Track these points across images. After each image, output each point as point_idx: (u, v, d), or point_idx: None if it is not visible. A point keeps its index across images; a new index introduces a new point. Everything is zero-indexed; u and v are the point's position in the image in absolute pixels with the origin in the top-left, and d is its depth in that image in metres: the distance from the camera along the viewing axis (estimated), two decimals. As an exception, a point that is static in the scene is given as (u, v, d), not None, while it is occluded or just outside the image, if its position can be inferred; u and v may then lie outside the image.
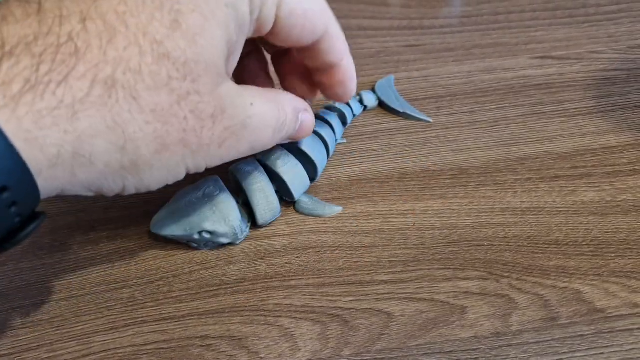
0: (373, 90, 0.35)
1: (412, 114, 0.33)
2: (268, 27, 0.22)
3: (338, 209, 0.29)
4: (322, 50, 0.24)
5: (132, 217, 0.29)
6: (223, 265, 0.27)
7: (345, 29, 0.40)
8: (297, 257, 0.27)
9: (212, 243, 0.27)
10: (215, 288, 0.26)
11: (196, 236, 0.26)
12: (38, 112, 0.17)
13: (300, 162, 0.28)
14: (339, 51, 0.25)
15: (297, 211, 0.29)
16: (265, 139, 0.23)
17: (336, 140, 0.31)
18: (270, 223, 0.29)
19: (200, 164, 0.21)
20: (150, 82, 0.19)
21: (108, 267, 0.27)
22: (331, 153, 0.31)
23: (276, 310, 0.25)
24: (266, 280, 0.26)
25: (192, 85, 0.19)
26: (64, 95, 0.17)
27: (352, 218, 0.29)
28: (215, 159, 0.22)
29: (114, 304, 0.26)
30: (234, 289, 0.26)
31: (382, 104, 0.34)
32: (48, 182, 0.18)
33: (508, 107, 0.34)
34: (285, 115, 0.24)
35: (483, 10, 0.41)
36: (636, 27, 0.39)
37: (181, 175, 0.21)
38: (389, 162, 0.31)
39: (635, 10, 0.40)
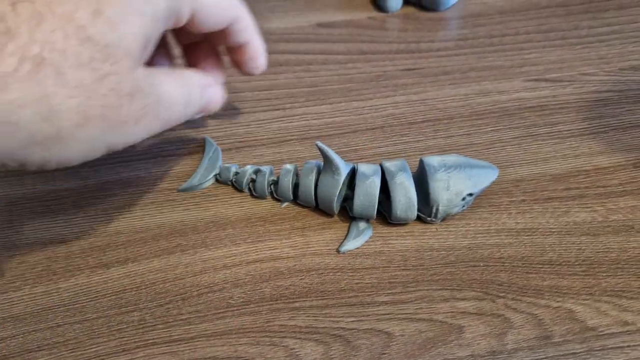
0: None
1: None
2: (186, 18, 0.26)
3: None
4: (234, 32, 0.29)
5: (142, 241, 0.31)
6: (230, 287, 0.28)
7: (346, 53, 0.41)
8: (300, 279, 0.28)
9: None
10: (222, 310, 0.27)
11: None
12: None
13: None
14: (248, 32, 0.29)
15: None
16: (178, 114, 0.26)
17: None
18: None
19: (118, 140, 0.24)
20: (74, 61, 0.21)
21: (119, 291, 0.29)
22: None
23: (281, 331, 0.26)
24: (271, 302, 0.28)
25: (112, 67, 0.22)
26: None
27: (353, 240, 0.30)
28: (133, 135, 0.24)
29: (125, 326, 0.27)
30: (241, 311, 0.27)
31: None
32: None
33: (503, 130, 0.35)
34: (190, 91, 0.27)
35: (478, 33, 0.43)
36: (627, 48, 0.40)
37: (100, 152, 0.24)
38: (388, 185, 0.32)
39: (626, 31, 0.42)
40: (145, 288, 0.29)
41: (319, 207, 0.31)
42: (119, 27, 0.22)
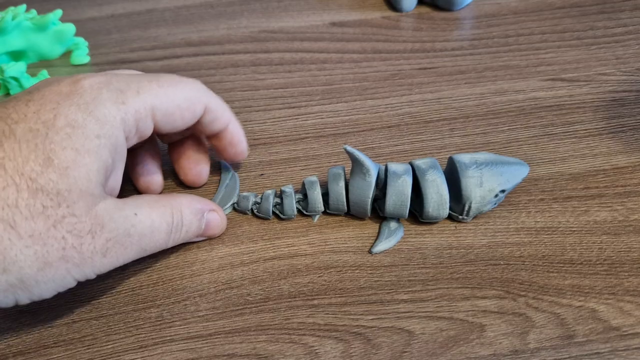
0: None
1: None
2: (149, 132, 0.26)
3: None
4: (207, 122, 0.29)
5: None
6: (247, 284, 0.28)
7: (361, 52, 0.41)
8: (319, 277, 0.28)
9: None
10: (240, 307, 0.27)
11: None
12: None
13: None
14: (223, 120, 0.29)
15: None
16: (159, 241, 0.26)
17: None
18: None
19: (87, 273, 0.24)
20: (26, 212, 0.22)
21: (136, 287, 0.28)
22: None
23: (300, 329, 0.26)
24: (290, 300, 0.27)
25: (68, 210, 0.23)
26: None
27: (372, 237, 0.30)
28: (103, 266, 0.24)
29: (142, 323, 0.27)
30: (259, 307, 0.27)
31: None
32: None
33: (520, 129, 0.35)
34: (181, 216, 0.27)
35: (493, 32, 0.42)
36: (643, 49, 0.40)
37: (71, 284, 0.24)
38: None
39: (642, 32, 0.41)
40: (162, 284, 0.28)
41: (350, 213, 0.30)
42: (71, 172, 0.23)
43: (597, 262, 0.28)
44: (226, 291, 0.28)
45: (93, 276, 0.24)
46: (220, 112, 0.29)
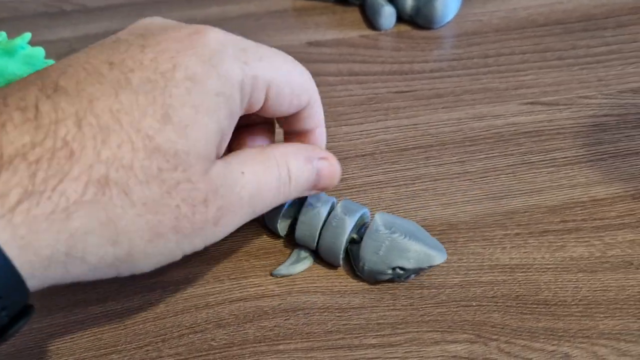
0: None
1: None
2: (258, 107, 0.24)
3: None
4: (303, 117, 0.26)
5: (121, 280, 0.29)
6: (212, 328, 0.27)
7: (337, 74, 0.40)
8: (285, 320, 0.27)
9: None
10: (204, 353, 0.26)
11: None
12: (34, 217, 0.18)
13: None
14: (316, 120, 0.27)
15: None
16: (269, 199, 0.24)
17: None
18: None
19: (196, 244, 0.22)
20: (141, 176, 0.19)
21: (97, 332, 0.27)
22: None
23: (264, 377, 0.25)
24: (255, 345, 0.27)
25: (183, 175, 0.20)
26: (59, 199, 0.18)
27: (341, 277, 0.29)
28: (214, 235, 0.22)
29: (102, 370, 0.26)
30: (223, 354, 0.26)
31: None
32: (40, 280, 0.19)
33: (497, 157, 0.34)
34: (287, 168, 0.24)
35: (473, 52, 0.41)
36: (626, 70, 0.39)
37: (177, 257, 0.22)
38: (378, 217, 0.31)
39: (625, 51, 0.40)
40: (124, 328, 0.27)
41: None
42: (189, 132, 0.20)
43: (572, 303, 0.27)
44: (190, 336, 0.27)
45: (201, 248, 0.22)
46: (317, 109, 0.27)
